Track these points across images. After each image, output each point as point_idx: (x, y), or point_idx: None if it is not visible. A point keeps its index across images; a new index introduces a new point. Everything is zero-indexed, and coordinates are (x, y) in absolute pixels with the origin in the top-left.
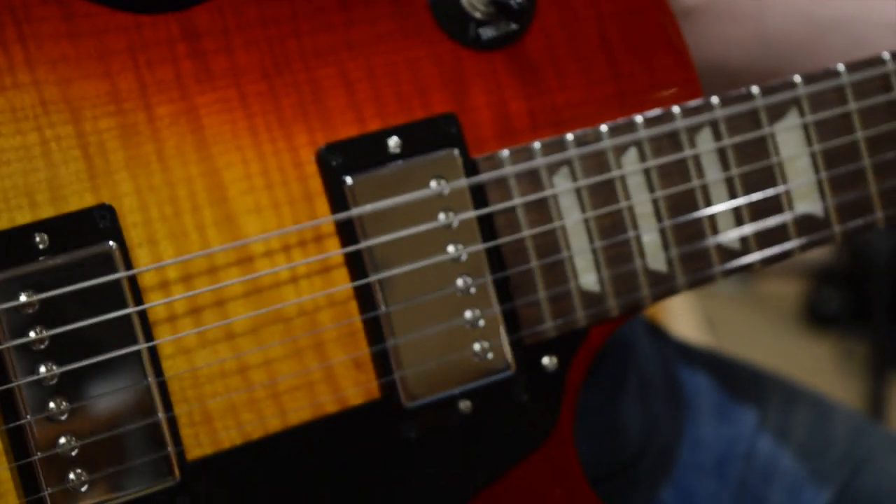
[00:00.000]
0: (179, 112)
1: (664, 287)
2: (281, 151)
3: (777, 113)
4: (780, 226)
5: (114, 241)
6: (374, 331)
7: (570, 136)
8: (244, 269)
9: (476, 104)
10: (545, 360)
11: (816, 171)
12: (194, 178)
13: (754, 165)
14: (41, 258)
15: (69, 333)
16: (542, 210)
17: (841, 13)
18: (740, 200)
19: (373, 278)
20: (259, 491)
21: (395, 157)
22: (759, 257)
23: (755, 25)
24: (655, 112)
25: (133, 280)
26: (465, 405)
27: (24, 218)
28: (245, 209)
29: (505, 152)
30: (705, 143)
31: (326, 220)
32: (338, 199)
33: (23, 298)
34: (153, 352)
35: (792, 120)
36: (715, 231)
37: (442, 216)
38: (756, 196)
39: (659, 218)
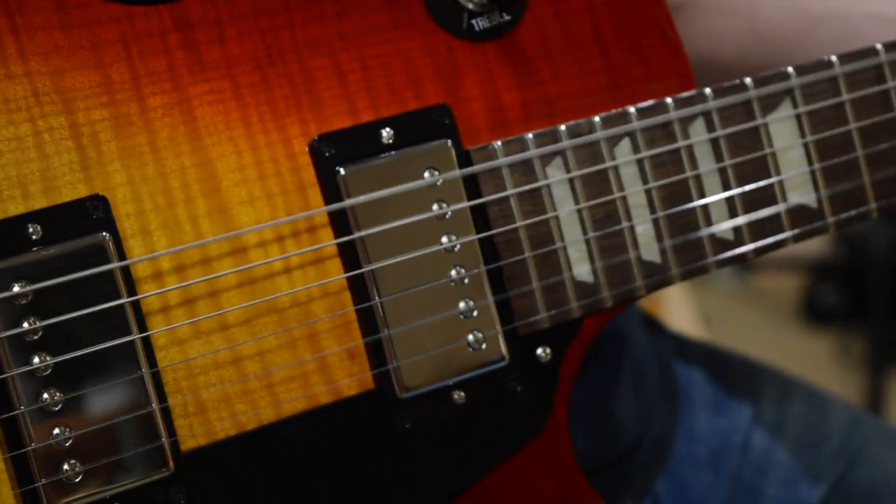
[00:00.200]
0: (172, 103)
1: (658, 278)
2: (274, 142)
3: (770, 104)
4: (773, 216)
5: (107, 231)
6: (368, 321)
7: (563, 127)
8: (238, 259)
9: (469, 95)
10: (539, 351)
11: (810, 161)
12: (187, 168)
13: (747, 156)
14: (34, 249)
15: (63, 324)
16: (535, 201)
17: (833, 6)
18: (734, 191)
19: (366, 269)
20: (253, 481)
21: (389, 147)
22: (753, 248)
23: (747, 19)
24: (648, 103)
25: (126, 270)
26: (459, 396)
27: (17, 209)
28: (238, 200)
29: (498, 143)
30: (698, 134)
31: (320, 210)
32: (331, 189)
33: (16, 289)
34: (147, 342)
35: (785, 111)
36: (708, 221)
37: (435, 207)
38: (749, 187)
39: (652, 209)
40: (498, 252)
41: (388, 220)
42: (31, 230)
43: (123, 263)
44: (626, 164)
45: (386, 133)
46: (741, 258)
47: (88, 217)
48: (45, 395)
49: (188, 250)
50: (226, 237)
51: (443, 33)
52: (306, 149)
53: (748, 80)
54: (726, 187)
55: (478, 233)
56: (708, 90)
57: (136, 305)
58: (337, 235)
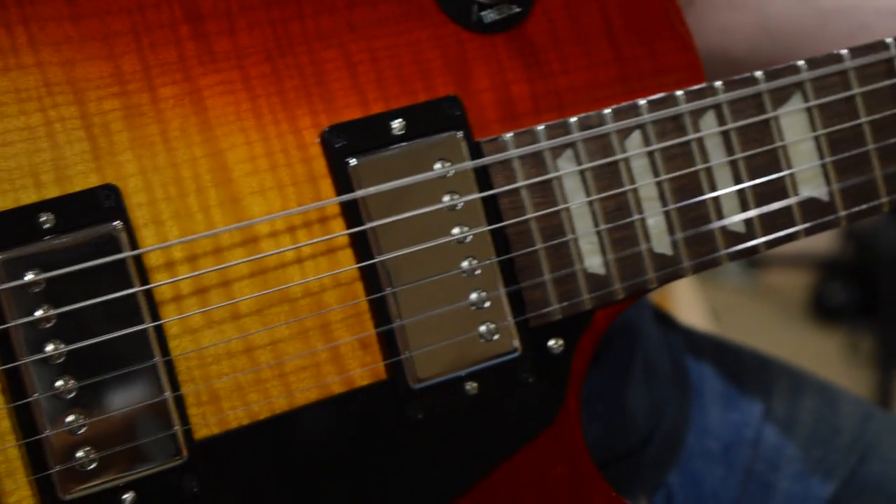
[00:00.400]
0: (183, 93)
1: (669, 270)
2: (285, 133)
3: (781, 97)
4: (784, 209)
5: (119, 220)
6: (380, 312)
7: (573, 120)
8: (249, 249)
9: (479, 87)
10: (551, 343)
11: (821, 155)
12: (199, 159)
13: (758, 149)
14: (47, 237)
15: (75, 312)
16: (546, 192)
17: (843, 1)
18: (745, 184)
19: (378, 259)
20: (266, 470)
21: (399, 139)
22: (764, 240)
23: (758, 14)
24: (659, 95)
25: (139, 260)
26: (471, 386)
27: (28, 198)
28: (249, 190)
29: (509, 135)
30: (709, 127)
31: (331, 201)
32: (342, 180)
33: (29, 277)
34: (159, 331)
35: (796, 104)
36: (720, 214)
37: (446, 198)
38: (760, 179)
39: (663, 201)
40: (509, 243)
41: (399, 211)
42: (43, 219)
43: (136, 252)
44: (636, 156)
45: (396, 124)
46: (753, 251)
47: (100, 206)
48: (59, 383)
49: (200, 240)
50: (238, 227)
51: (452, 25)
52: (317, 140)
53: (759, 74)
54: (737, 180)
55: (489, 224)
56: (718, 83)
57: (148, 294)
58: (348, 226)
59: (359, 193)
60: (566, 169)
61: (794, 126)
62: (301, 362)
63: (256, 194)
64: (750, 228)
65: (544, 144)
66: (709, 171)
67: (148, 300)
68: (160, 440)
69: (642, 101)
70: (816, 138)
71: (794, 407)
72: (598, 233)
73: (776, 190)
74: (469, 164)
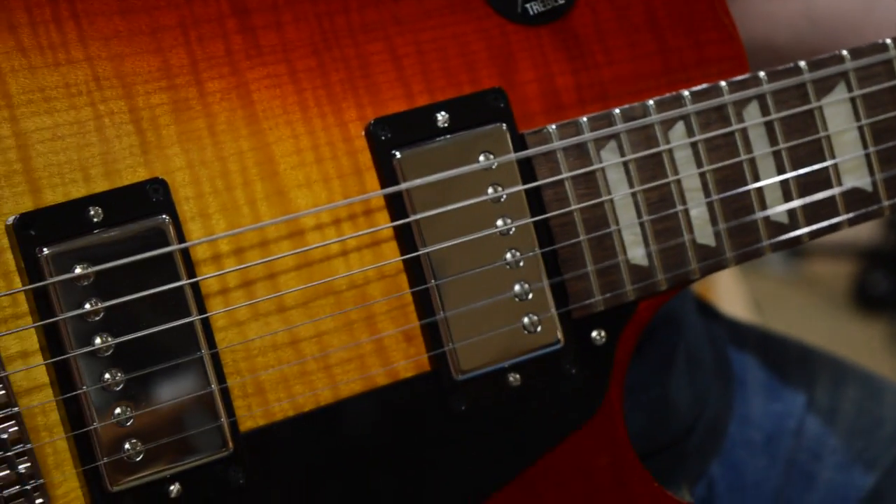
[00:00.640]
0: (230, 87)
1: (712, 261)
2: (330, 126)
3: (825, 87)
4: (828, 200)
5: (167, 214)
6: (424, 304)
7: (617, 111)
8: (295, 242)
9: (523, 79)
10: (594, 334)
11: (864, 145)
12: (245, 152)
13: (802, 139)
14: (95, 231)
15: (123, 305)
16: (589, 184)
17: None
18: (788, 174)
19: (422, 251)
20: (311, 462)
21: (444, 131)
22: (808, 231)
23: (802, 2)
24: (703, 86)
25: (186, 253)
26: (514, 378)
27: (78, 192)
28: (295, 183)
29: (552, 127)
30: (753, 118)
31: (376, 194)
32: (387, 173)
33: (78, 271)
34: (206, 324)
35: (840, 94)
36: (763, 205)
37: (490, 190)
38: (804, 170)
39: (707, 192)
40: (553, 235)
41: (444, 204)
42: (92, 213)
43: (183, 246)
44: (680, 147)
45: (441, 117)
46: (796, 241)
47: (148, 200)
48: (107, 376)
49: (246, 233)
50: (283, 220)
51: (497, 17)
52: (362, 132)
53: (802, 64)
54: (781, 171)
55: (533, 216)
56: (762, 73)
57: (195, 287)
58: (393, 218)
59: (403, 186)
60: (610, 160)
61: (838, 116)
62: (346, 354)
63: (302, 187)
64: (793, 219)
65: (588, 136)
66: (752, 161)
67: (195, 293)
68: (206, 432)
69: (686, 92)
70: (860, 128)
71: (837, 397)
72: (641, 224)
73: (819, 180)
74: (513, 156)
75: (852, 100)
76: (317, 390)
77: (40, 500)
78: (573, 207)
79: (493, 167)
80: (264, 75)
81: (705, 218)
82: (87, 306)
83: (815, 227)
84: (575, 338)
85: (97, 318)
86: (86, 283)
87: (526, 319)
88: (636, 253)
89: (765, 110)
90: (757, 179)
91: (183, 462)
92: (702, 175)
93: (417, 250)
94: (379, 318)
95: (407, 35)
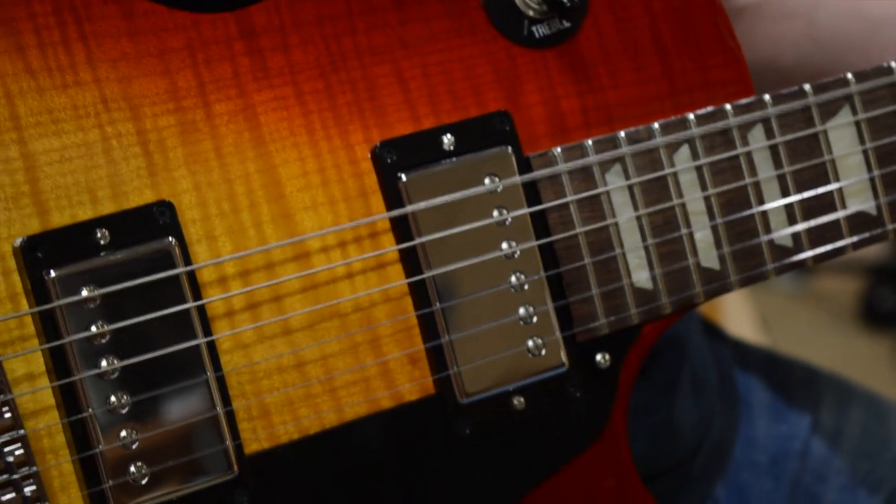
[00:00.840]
0: (237, 109)
1: (717, 285)
2: (337, 149)
3: (829, 110)
4: (832, 223)
5: (173, 236)
6: (429, 327)
7: (622, 134)
8: (301, 265)
9: (529, 102)
10: (598, 357)
11: (869, 168)
12: (252, 174)
13: (806, 163)
14: (102, 253)
15: (130, 328)
16: (594, 207)
17: (893, 10)
18: (792, 198)
19: (427, 274)
20: (316, 485)
21: (450, 154)
22: (812, 254)
23: (807, 24)
24: (708, 110)
25: (192, 275)
26: (518, 401)
27: (85, 214)
28: (301, 206)
29: (558, 150)
30: (757, 141)
31: (382, 216)
32: (393, 195)
33: (84, 293)
34: (212, 346)
35: (844, 117)
36: (767, 228)
37: (495, 213)
38: (808, 193)
39: (711, 215)
40: (557, 258)
41: (449, 226)
42: (98, 235)
43: (189, 268)
44: (685, 170)
45: (447, 139)
46: (800, 265)
47: (155, 222)
48: (113, 398)
49: (252, 255)
50: (289, 242)
51: (503, 40)
52: (368, 155)
53: (807, 87)
54: (785, 194)
55: (537, 239)
56: (767, 97)
57: (201, 310)
58: (398, 241)
59: (409, 209)
60: (615, 183)
61: (843, 139)
62: (351, 377)
63: (308, 209)
64: (797, 242)
65: (593, 159)
66: (757, 184)
67: (201, 315)
68: (212, 455)
69: (691, 116)
70: (865, 151)
71: (842, 419)
72: (646, 247)
73: (824, 204)
74: (518, 179)
75: (857, 123)
76: (322, 413)
77: None
78: (578, 230)
79: (499, 190)
80: (271, 97)
81: (710, 241)
82: (94, 329)
83: (819, 250)
84: (579, 361)
85: (104, 341)
86: (92, 305)
87: (530, 342)
88: (641, 276)
89: (769, 133)
90: (761, 203)
91: (188, 485)
92: (706, 198)
93: (423, 273)
94: (384, 340)
95: (413, 58)
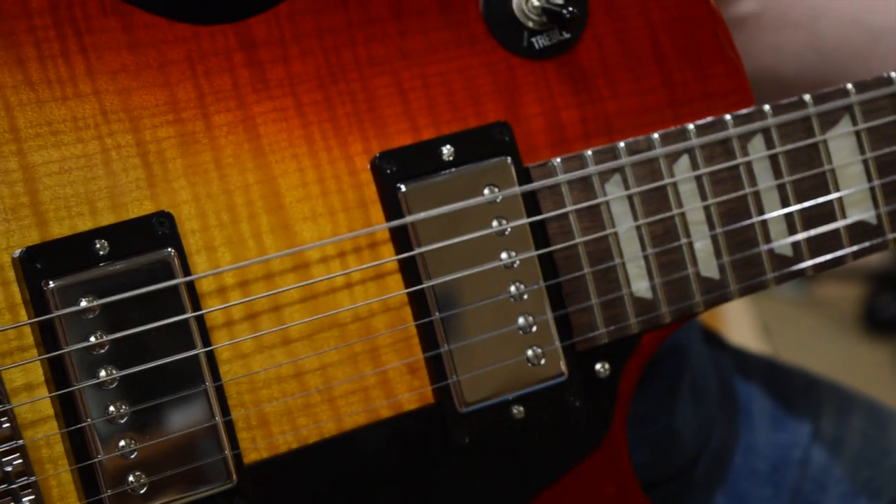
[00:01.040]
0: (237, 121)
1: (716, 294)
2: (336, 160)
3: (829, 120)
4: (832, 233)
5: (172, 247)
6: (429, 336)
7: (622, 144)
8: (300, 275)
9: (528, 112)
10: (598, 367)
11: (869, 178)
12: (251, 185)
13: (806, 173)
14: (101, 264)
15: (129, 338)
16: (594, 217)
17: (894, 21)
18: (793, 207)
19: (427, 284)
20: (315, 494)
21: (449, 164)
22: (812, 264)
23: (808, 34)
24: (707, 120)
25: (191, 286)
26: (517, 410)
27: (84, 225)
28: (301, 216)
29: (557, 160)
30: (757, 151)
31: (381, 227)
32: (392, 206)
33: (83, 304)
34: (211, 356)
35: (844, 127)
36: (767, 238)
37: (495, 223)
38: (808, 203)
39: (711, 225)
40: (557, 268)
41: (449, 237)
42: (98, 246)
43: (188, 279)
44: (684, 180)
45: (446, 150)
46: (800, 274)
47: (154, 233)
48: (112, 408)
49: (252, 266)
50: (289, 253)
51: (503, 51)
52: (368, 166)
53: (807, 97)
54: (785, 204)
55: (537, 249)
56: (767, 107)
57: (200, 320)
58: (398, 251)
59: (408, 219)
60: (614, 194)
61: (843, 149)
62: (350, 387)
63: (308, 220)
64: (797, 252)
65: (592, 169)
66: (756, 194)
67: (200, 326)
68: (210, 464)
69: (691, 126)
70: (865, 161)
71: (843, 427)
72: (646, 257)
73: (824, 213)
74: (517, 189)
75: (857, 133)
76: (321, 423)
77: None
78: (577, 240)
79: (498, 200)
80: (271, 109)
81: (709, 251)
82: (93, 339)
83: (819, 259)
84: (579, 370)
85: (102, 351)
86: (91, 315)
87: (530, 352)
88: (640, 286)
89: (769, 143)
90: (761, 212)
91: (187, 494)
92: (706, 208)
93: (422, 283)
94: (383, 350)
95: (413, 69)
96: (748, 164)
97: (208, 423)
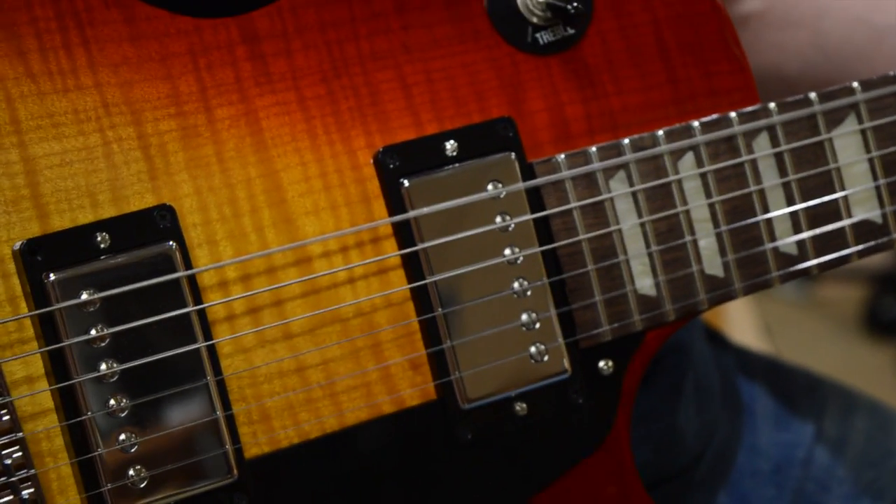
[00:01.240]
0: (239, 114)
1: (721, 292)
2: (339, 154)
3: (835, 118)
4: (837, 231)
5: (174, 240)
6: (431, 332)
7: (626, 141)
8: (302, 269)
9: (533, 108)
10: (601, 364)
11: (875, 177)
12: (253, 179)
13: (812, 171)
14: (102, 257)
15: (129, 332)
16: (598, 214)
17: None
18: (798, 206)
19: (429, 280)
20: (316, 489)
21: (452, 160)
22: (817, 262)
23: (812, 32)
24: (713, 117)
25: (192, 280)
26: (520, 407)
27: (85, 217)
28: (303, 211)
29: (561, 156)
30: (762, 149)
31: (384, 221)
32: (395, 201)
33: (84, 296)
34: (212, 350)
35: (850, 126)
36: (772, 236)
37: (498, 219)
38: (814, 201)
39: (716, 223)
40: (561, 265)
41: (452, 232)
42: (99, 239)
43: (190, 272)
44: (689, 177)
45: (450, 145)
46: (805, 273)
47: (156, 226)
48: (112, 402)
49: (253, 260)
50: (291, 247)
51: (507, 46)
52: (371, 160)
53: (813, 95)
54: (790, 202)
55: (541, 245)
56: (772, 104)
57: (201, 314)
58: (401, 247)
59: (411, 214)
60: (618, 190)
61: (848, 148)
62: (352, 382)
63: (310, 214)
64: (802, 250)
65: (596, 166)
66: (762, 192)
67: (201, 319)
68: (211, 459)
69: (695, 123)
70: (870, 160)
71: (846, 428)
72: (650, 254)
73: (829, 212)
74: (521, 185)
75: (863, 132)
76: (322, 418)
77: None
78: (581, 237)
79: (502, 196)
80: (273, 103)
81: (714, 249)
82: (93, 332)
83: (824, 258)
84: (582, 367)
85: (103, 344)
86: (92, 308)
87: (533, 349)
88: (644, 283)
89: (775, 141)
90: (766, 210)
91: (187, 489)
92: (711, 206)
93: (425, 279)
94: (385, 345)
95: (416, 63)
96: (753, 162)
97: (209, 417)
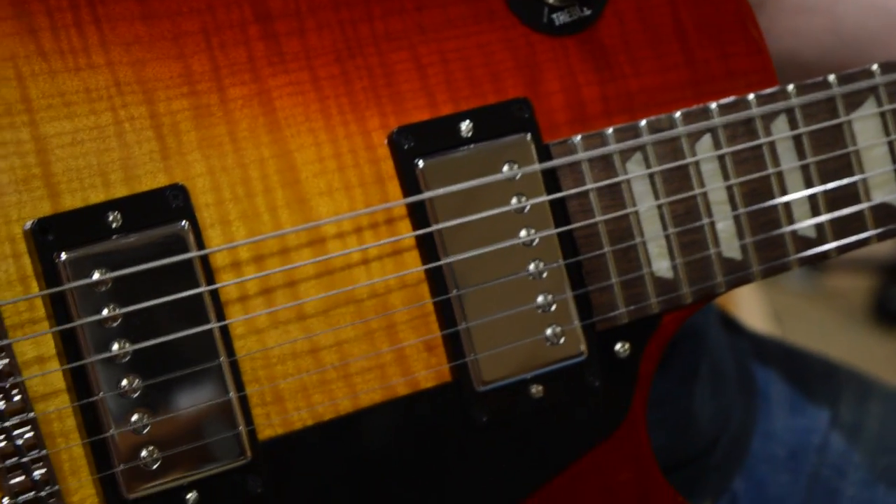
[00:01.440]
0: (252, 94)
1: (738, 275)
2: (353, 134)
3: (854, 101)
4: (856, 214)
5: (186, 220)
6: (446, 314)
7: (643, 123)
8: (316, 250)
9: (549, 89)
10: (617, 347)
11: (894, 160)
12: (266, 159)
13: (830, 154)
14: (114, 237)
15: (142, 312)
16: (615, 196)
17: None
18: (816, 189)
19: (444, 261)
20: (330, 471)
21: (467, 140)
22: (835, 245)
23: (829, 17)
24: (730, 99)
25: (205, 260)
26: (536, 389)
27: (97, 197)
28: (317, 191)
29: (577, 138)
30: (781, 131)
31: (398, 203)
32: (410, 182)
33: (96, 276)
34: (225, 331)
35: (869, 108)
36: (790, 219)
37: (514, 200)
38: (832, 184)
39: (733, 205)
40: (577, 247)
41: (467, 213)
42: (111, 218)
43: (203, 252)
44: (707, 160)
45: (465, 126)
46: (823, 256)
47: (168, 206)
48: (125, 382)
49: (267, 240)
50: (304, 228)
51: (523, 27)
52: (385, 141)
53: (832, 78)
54: (809, 185)
55: (557, 227)
56: (791, 87)
57: (214, 294)
58: (415, 227)
59: (426, 195)
60: (635, 172)
61: (867, 130)
62: (366, 363)
63: (324, 195)
64: (821, 233)
65: (613, 147)
66: (780, 175)
67: (214, 300)
68: (224, 440)
69: (713, 105)
70: (890, 143)
71: (861, 413)
72: (667, 236)
73: (848, 195)
74: (537, 166)
75: (882, 115)
76: (336, 399)
77: None
78: (598, 219)
79: (517, 177)
80: (287, 82)
81: (732, 231)
82: (105, 312)
83: (843, 241)
84: (598, 350)
85: (115, 324)
86: (104, 288)
87: (549, 331)
88: (661, 265)
89: (793, 124)
90: (784, 193)
91: (200, 470)
92: (728, 188)
93: (439, 260)
94: (400, 327)
95: (431, 44)
96: (771, 145)
97: (222, 398)
